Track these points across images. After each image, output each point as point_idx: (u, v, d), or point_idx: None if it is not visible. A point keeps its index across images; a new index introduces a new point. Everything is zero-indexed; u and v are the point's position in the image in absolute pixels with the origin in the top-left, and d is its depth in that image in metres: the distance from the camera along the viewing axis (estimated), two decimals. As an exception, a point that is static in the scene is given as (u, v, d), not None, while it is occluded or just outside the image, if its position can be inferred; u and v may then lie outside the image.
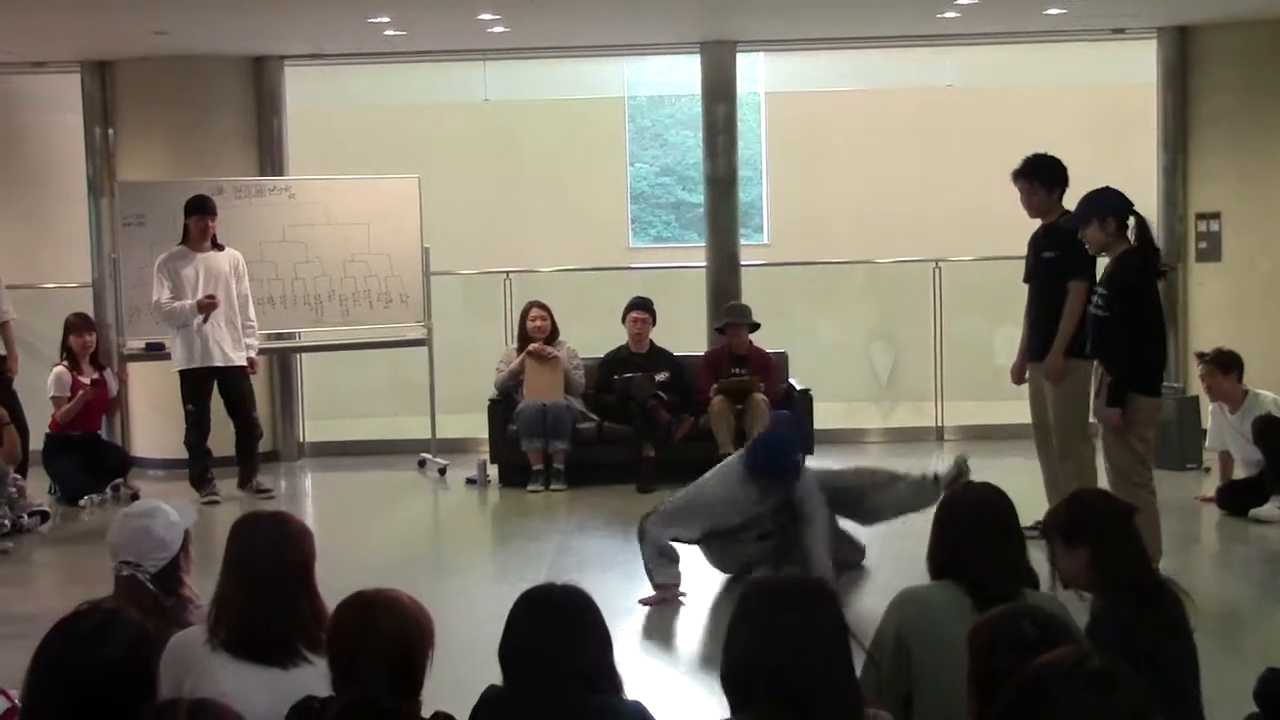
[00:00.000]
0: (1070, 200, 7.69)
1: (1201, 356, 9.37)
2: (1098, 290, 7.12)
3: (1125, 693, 2.37)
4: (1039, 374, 7.80)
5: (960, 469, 7.42)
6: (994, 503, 4.19)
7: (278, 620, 3.84)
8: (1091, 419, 7.55)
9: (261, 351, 10.99)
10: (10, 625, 7.06)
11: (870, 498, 7.70)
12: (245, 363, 10.52)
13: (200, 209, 10.30)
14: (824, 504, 7.38)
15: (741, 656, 3.18)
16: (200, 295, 10.17)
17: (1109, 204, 7.06)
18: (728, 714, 3.20)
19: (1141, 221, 7.14)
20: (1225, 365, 9.18)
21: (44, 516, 9.62)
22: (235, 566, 3.98)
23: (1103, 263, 7.44)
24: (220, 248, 10.41)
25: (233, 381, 10.48)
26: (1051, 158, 7.73)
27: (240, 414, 10.57)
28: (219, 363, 10.33)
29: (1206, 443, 9.68)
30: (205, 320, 10.19)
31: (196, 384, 10.39)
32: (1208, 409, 9.71)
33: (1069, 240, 7.47)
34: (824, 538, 7.26)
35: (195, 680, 3.71)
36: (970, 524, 4.13)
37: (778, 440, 7.55)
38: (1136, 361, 7.00)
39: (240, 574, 3.95)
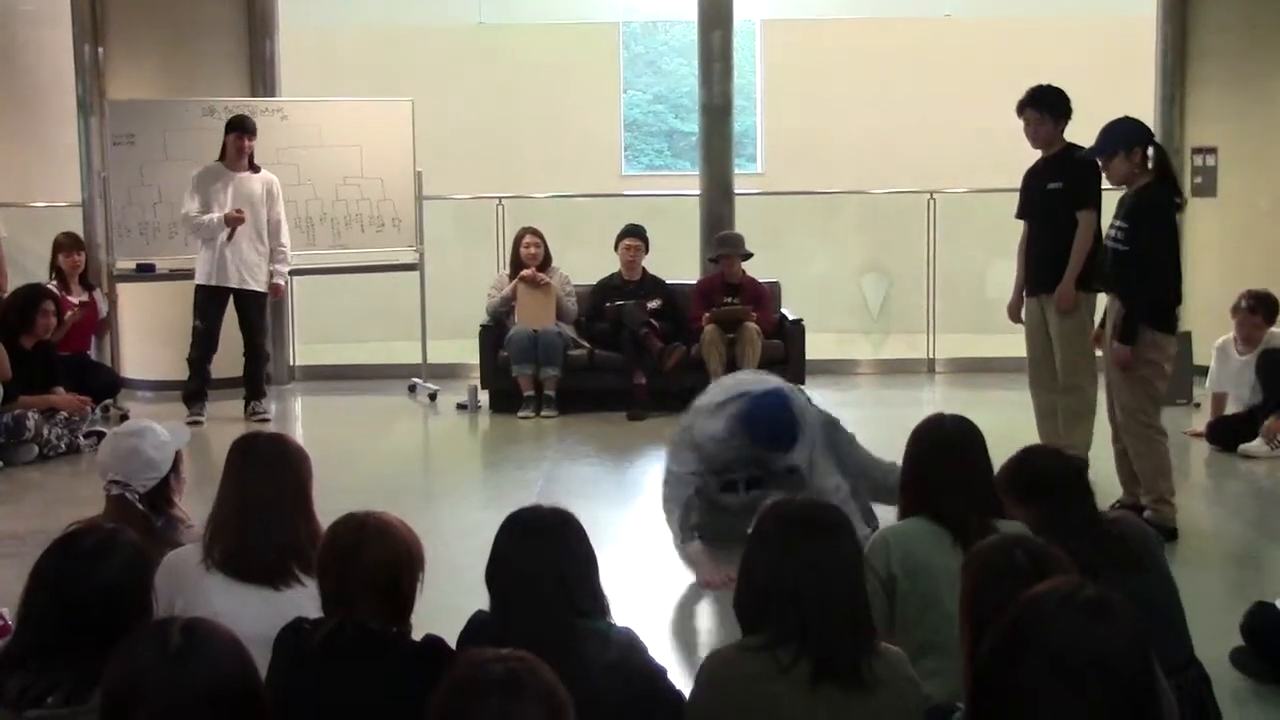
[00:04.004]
0: (1070, 133, 7.63)
1: (1237, 306, 9.33)
2: (1116, 223, 6.95)
3: (1119, 620, 2.39)
4: (1039, 308, 7.70)
5: None
6: (963, 434, 4.21)
7: (273, 541, 3.86)
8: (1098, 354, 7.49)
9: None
10: (0, 544, 7.05)
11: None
12: (264, 288, 10.47)
13: (239, 128, 10.25)
14: (832, 458, 6.64)
15: (758, 580, 3.21)
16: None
17: (1133, 134, 6.92)
18: (739, 636, 3.22)
19: (1161, 151, 7.04)
20: (1271, 310, 9.22)
21: (100, 436, 9.53)
22: (232, 487, 3.99)
23: (1110, 195, 7.37)
24: (256, 169, 10.36)
25: (247, 306, 10.44)
26: (1057, 88, 7.63)
27: (250, 339, 10.55)
28: (234, 284, 10.29)
29: (1207, 384, 9.60)
30: (231, 236, 10.14)
31: (209, 301, 10.35)
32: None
33: (1075, 170, 7.38)
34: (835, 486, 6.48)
35: (188, 599, 3.72)
36: (940, 456, 4.17)
37: (771, 408, 6.59)
38: (1155, 296, 6.86)
39: (237, 495, 3.96)
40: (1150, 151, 6.94)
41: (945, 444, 4.20)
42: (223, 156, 10.32)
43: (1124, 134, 6.92)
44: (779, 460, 6.62)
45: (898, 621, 3.95)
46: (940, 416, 4.31)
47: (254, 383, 10.65)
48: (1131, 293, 6.85)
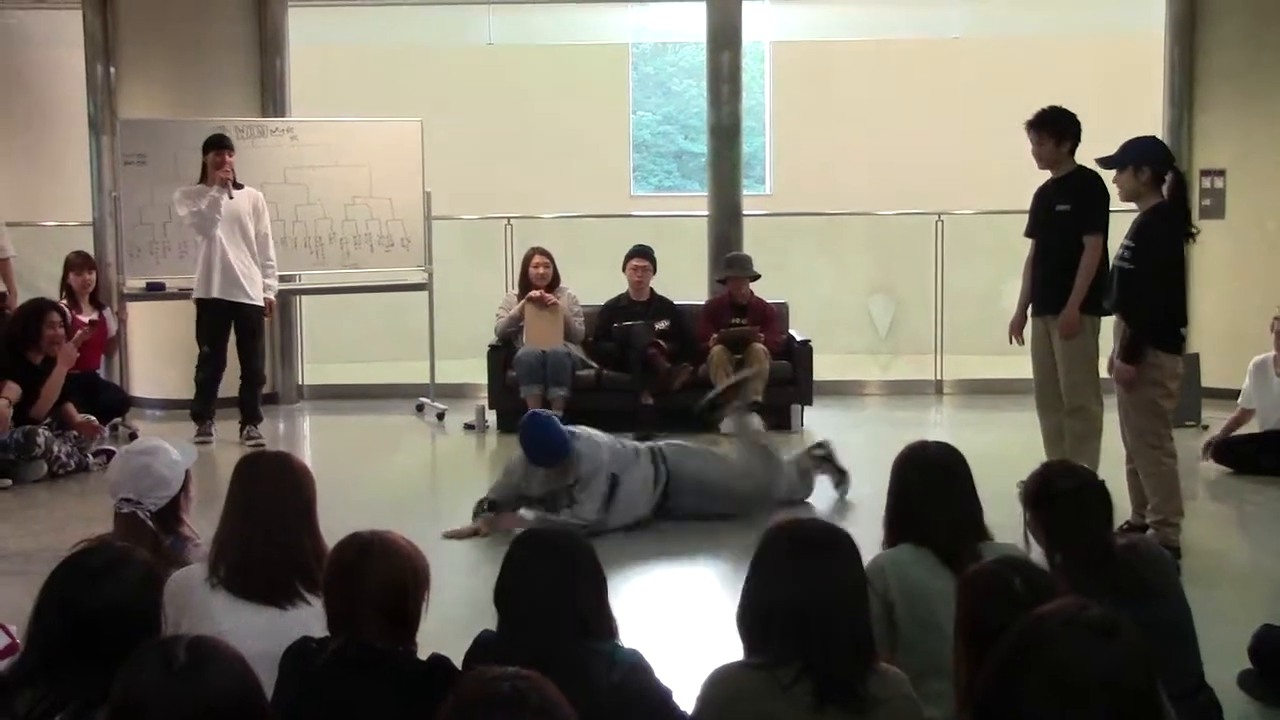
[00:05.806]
0: (1079, 153, 7.62)
1: None
2: (1123, 243, 6.93)
3: (1124, 641, 2.38)
4: (1044, 328, 7.69)
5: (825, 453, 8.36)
6: (947, 460, 4.24)
7: (278, 560, 3.85)
8: (1104, 375, 7.47)
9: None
10: (8, 562, 7.05)
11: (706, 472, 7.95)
12: (261, 301, 10.43)
13: (217, 145, 10.16)
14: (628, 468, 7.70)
15: (761, 598, 3.21)
16: (217, 229, 10.08)
17: (1147, 153, 6.89)
18: (740, 656, 3.22)
19: (1179, 178, 6.99)
20: None
21: (109, 456, 9.48)
22: (237, 505, 4.00)
23: (1119, 217, 7.36)
24: (239, 186, 10.30)
25: (245, 325, 10.37)
26: (1065, 111, 7.60)
27: (246, 363, 10.50)
28: (238, 298, 10.23)
29: (1240, 400, 9.43)
30: (230, 195, 10.09)
31: (212, 320, 10.29)
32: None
33: (1084, 192, 7.37)
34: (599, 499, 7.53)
35: (194, 618, 3.72)
36: (924, 483, 4.19)
37: (538, 423, 7.64)
38: (1159, 316, 6.83)
39: (242, 513, 3.97)
40: (1168, 176, 6.90)
41: (929, 470, 4.22)
42: (203, 178, 10.20)
43: (1137, 151, 6.89)
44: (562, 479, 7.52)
45: (900, 645, 3.95)
46: (923, 443, 4.34)
47: (249, 408, 10.53)
48: (1137, 313, 6.83)
